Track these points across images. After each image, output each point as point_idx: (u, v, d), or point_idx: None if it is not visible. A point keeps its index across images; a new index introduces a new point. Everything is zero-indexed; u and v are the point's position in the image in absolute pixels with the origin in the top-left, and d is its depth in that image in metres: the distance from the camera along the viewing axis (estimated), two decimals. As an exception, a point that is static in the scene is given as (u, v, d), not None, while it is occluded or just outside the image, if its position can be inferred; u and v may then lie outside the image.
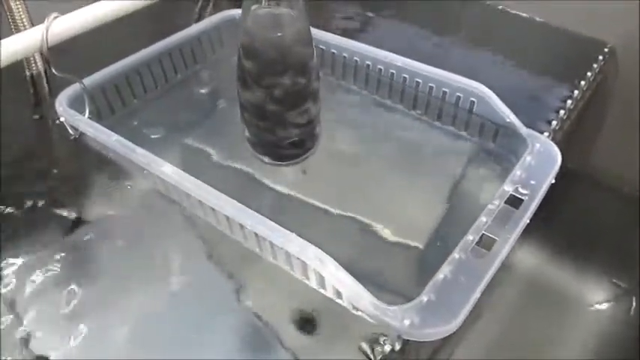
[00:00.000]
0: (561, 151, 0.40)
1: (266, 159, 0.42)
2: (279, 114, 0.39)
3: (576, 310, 0.57)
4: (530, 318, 0.56)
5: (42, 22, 0.40)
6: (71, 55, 0.43)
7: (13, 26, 0.48)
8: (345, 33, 0.52)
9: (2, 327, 0.32)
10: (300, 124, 0.40)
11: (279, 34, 0.37)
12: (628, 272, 0.58)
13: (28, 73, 0.51)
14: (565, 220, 0.62)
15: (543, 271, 0.60)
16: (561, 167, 0.39)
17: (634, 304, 0.56)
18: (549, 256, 0.61)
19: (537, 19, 0.60)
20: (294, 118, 0.39)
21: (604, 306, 0.57)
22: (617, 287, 0.58)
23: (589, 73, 0.52)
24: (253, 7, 0.36)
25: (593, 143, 0.64)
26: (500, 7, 0.62)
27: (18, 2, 0.47)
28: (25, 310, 0.33)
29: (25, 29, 0.47)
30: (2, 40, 0.38)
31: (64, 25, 0.40)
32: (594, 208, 0.64)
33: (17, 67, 0.50)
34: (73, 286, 0.34)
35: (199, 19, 0.54)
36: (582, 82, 0.51)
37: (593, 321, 0.56)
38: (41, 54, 0.39)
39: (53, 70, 0.40)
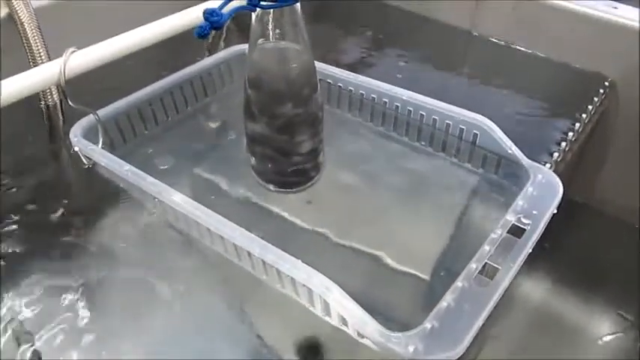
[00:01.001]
0: (564, 182, 0.40)
1: (271, 187, 0.43)
2: (283, 143, 0.40)
3: (582, 342, 0.56)
4: (536, 349, 0.56)
5: (59, 55, 0.41)
6: (86, 87, 0.44)
7: (31, 59, 0.49)
8: (351, 67, 0.53)
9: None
10: (303, 153, 0.41)
11: (283, 67, 0.38)
12: (634, 304, 0.58)
13: (43, 104, 0.53)
14: (571, 253, 0.62)
15: (549, 302, 0.60)
16: (566, 199, 0.39)
17: (640, 336, 0.56)
18: (555, 288, 0.61)
19: (540, 54, 0.62)
20: (297, 148, 0.40)
21: (610, 338, 0.56)
22: (624, 319, 0.57)
23: (590, 107, 0.53)
24: (259, 41, 0.37)
25: (597, 175, 0.64)
26: (503, 43, 0.64)
27: (36, 36, 0.48)
28: (36, 335, 0.33)
29: (43, 62, 0.49)
30: (21, 74, 0.40)
31: (81, 60, 0.41)
32: (600, 240, 0.64)
33: (32, 97, 0.52)
34: (82, 313, 0.35)
35: (210, 53, 0.56)
36: (583, 115, 0.52)
37: (599, 353, 0.55)
38: (58, 87, 0.41)
39: (69, 102, 0.41)
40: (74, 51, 0.41)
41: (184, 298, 0.36)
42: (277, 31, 0.36)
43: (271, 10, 0.35)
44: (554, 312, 0.59)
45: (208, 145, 0.49)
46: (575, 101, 0.54)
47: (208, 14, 0.33)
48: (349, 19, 0.71)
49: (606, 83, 0.57)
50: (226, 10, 0.33)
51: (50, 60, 0.42)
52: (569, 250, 0.62)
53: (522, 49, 0.63)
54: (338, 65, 0.52)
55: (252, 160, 0.43)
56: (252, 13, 0.36)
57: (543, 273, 0.61)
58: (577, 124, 0.51)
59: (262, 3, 0.34)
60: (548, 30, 0.60)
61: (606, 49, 0.57)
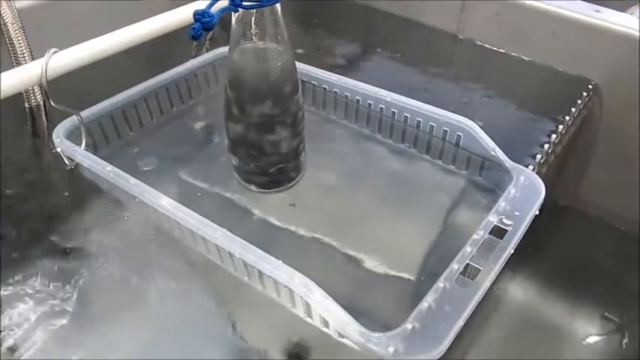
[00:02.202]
0: (548, 185, 0.40)
1: (253, 187, 0.43)
2: (264, 143, 0.40)
3: (568, 345, 0.57)
4: (522, 352, 0.56)
5: (42, 55, 0.41)
6: (70, 88, 0.44)
7: (13, 59, 0.49)
8: (337, 69, 0.53)
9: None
10: (284, 153, 0.41)
11: (264, 67, 0.38)
12: (619, 306, 0.58)
13: (27, 105, 0.52)
14: (557, 255, 0.62)
15: (535, 305, 0.60)
16: (551, 202, 0.39)
17: (625, 337, 0.56)
18: (541, 291, 0.61)
19: (524, 57, 0.62)
20: (278, 148, 0.41)
21: (596, 340, 0.57)
22: (609, 321, 0.57)
23: (573, 109, 0.54)
24: (240, 41, 0.37)
25: (581, 178, 0.65)
26: (488, 46, 0.64)
27: (19, 36, 0.48)
28: (16, 337, 0.33)
29: (26, 62, 0.48)
30: (2, 73, 0.40)
31: (63, 60, 0.41)
32: (585, 242, 0.64)
33: (16, 98, 0.51)
34: (64, 315, 0.34)
35: (196, 55, 0.56)
36: (567, 118, 0.52)
37: (585, 355, 0.56)
38: (40, 87, 0.40)
39: (52, 103, 0.41)
40: (56, 51, 0.41)
41: (167, 300, 0.36)
42: (258, 31, 0.36)
43: (253, 11, 0.35)
44: (540, 314, 0.59)
45: (192, 147, 0.49)
46: (559, 104, 0.54)
47: (199, 15, 0.33)
48: (336, 23, 0.71)
49: (589, 86, 0.57)
50: (213, 10, 0.33)
51: (33, 60, 0.42)
52: (554, 252, 0.62)
53: (507, 52, 0.63)
54: (324, 68, 0.52)
55: (234, 160, 0.43)
56: (233, 15, 0.36)
57: (529, 276, 0.62)
58: (560, 127, 0.51)
59: (244, 3, 0.34)
60: (532, 34, 0.61)
61: (590, 52, 0.58)
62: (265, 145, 0.40)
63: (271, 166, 0.41)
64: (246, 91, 0.39)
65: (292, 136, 0.41)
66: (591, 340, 0.56)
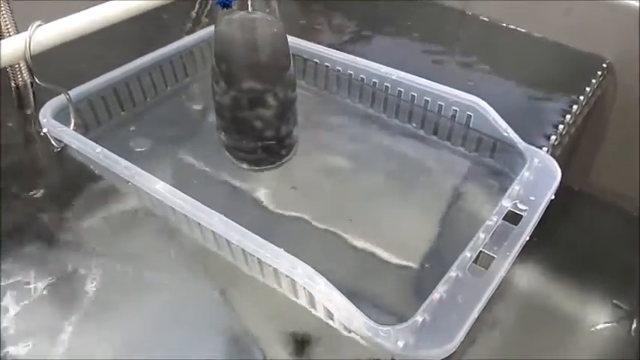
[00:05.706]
0: (561, 168, 0.39)
1: (244, 165, 0.41)
2: (252, 119, 0.38)
3: (577, 332, 0.56)
4: (530, 339, 0.55)
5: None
6: (57, 65, 0.42)
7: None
8: (343, 48, 0.51)
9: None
10: (274, 130, 0.39)
11: (251, 38, 0.37)
12: (629, 293, 0.57)
13: (13, 84, 0.50)
14: (566, 241, 0.61)
15: (544, 291, 0.59)
16: (562, 186, 0.38)
17: (635, 325, 0.55)
18: (550, 277, 0.60)
19: (536, 34, 0.60)
20: (267, 124, 0.39)
21: (605, 327, 0.55)
22: (619, 308, 0.56)
23: (587, 89, 0.52)
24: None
25: (594, 161, 0.63)
26: (499, 23, 0.62)
27: (3, 10, 0.46)
28: (5, 325, 0.31)
29: (10, 36, 0.46)
30: (-16, 48, 0.37)
31: (48, 33, 0.39)
32: (595, 228, 0.63)
33: (2, 76, 0.49)
34: (54, 300, 0.33)
35: (191, 32, 0.54)
36: (581, 97, 0.50)
37: (593, 342, 0.55)
38: (25, 63, 0.38)
39: (36, 79, 0.39)
40: (40, 24, 0.38)
41: (163, 287, 0.34)
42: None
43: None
44: (549, 301, 0.58)
45: (188, 127, 0.47)
46: (573, 83, 0.53)
47: None
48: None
49: (604, 65, 0.55)
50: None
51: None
52: (566, 239, 0.61)
53: (517, 28, 0.61)
54: (329, 46, 0.50)
55: (224, 137, 0.41)
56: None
57: (538, 262, 0.61)
58: (575, 107, 0.49)
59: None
60: (543, 9, 0.59)
61: (604, 29, 0.56)
62: (255, 122, 0.38)
63: (261, 143, 0.40)
64: (233, 64, 0.37)
65: (283, 111, 0.39)
66: (600, 327, 0.55)
